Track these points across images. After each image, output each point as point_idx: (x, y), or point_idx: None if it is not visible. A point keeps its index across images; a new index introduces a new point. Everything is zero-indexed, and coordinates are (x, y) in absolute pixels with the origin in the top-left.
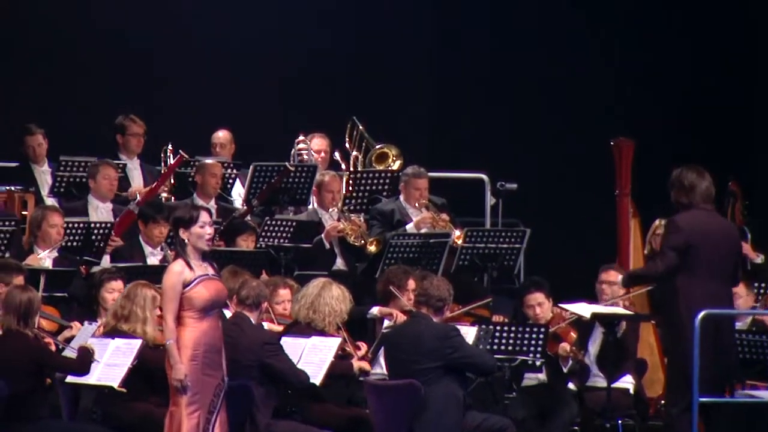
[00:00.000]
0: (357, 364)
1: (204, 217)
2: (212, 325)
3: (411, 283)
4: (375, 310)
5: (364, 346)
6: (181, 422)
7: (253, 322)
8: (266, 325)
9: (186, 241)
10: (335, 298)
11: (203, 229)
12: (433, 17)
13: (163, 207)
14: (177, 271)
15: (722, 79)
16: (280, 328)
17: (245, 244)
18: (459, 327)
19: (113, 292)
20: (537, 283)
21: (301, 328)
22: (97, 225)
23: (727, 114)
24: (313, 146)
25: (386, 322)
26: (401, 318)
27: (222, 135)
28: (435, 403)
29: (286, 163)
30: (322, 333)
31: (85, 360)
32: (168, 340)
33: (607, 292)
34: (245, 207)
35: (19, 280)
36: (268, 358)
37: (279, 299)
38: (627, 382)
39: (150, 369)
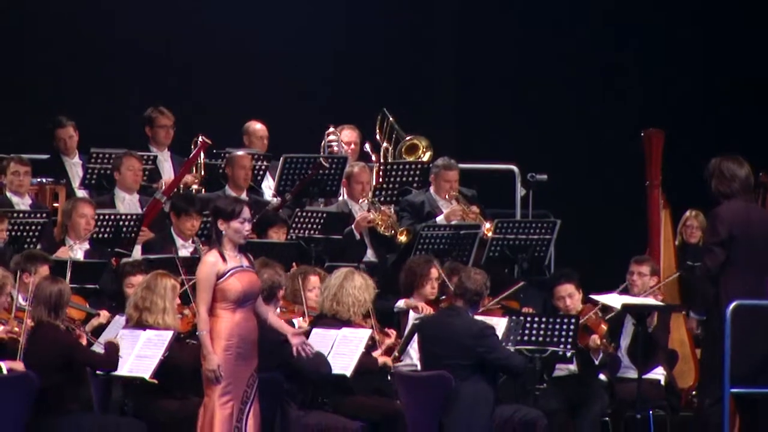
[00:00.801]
0: (381, 359)
1: (246, 213)
2: (246, 316)
3: (433, 272)
4: (401, 303)
5: (393, 333)
6: (214, 413)
7: (270, 314)
8: (296, 321)
9: (223, 232)
10: (358, 287)
11: (243, 225)
12: (461, 9)
13: (195, 200)
14: (211, 261)
15: (754, 69)
16: (305, 324)
17: (276, 236)
18: (489, 318)
19: (133, 287)
20: (567, 274)
21: (328, 320)
22: (127, 216)
23: (759, 104)
24: (343, 138)
25: (413, 314)
26: (427, 309)
27: (259, 128)
28: (465, 399)
29: (319, 156)
30: (349, 323)
31: (112, 356)
32: (201, 330)
33: (638, 283)
34: (278, 199)
35: (44, 269)
36: (290, 357)
37: (311, 286)
38: (658, 373)
39: (176, 364)
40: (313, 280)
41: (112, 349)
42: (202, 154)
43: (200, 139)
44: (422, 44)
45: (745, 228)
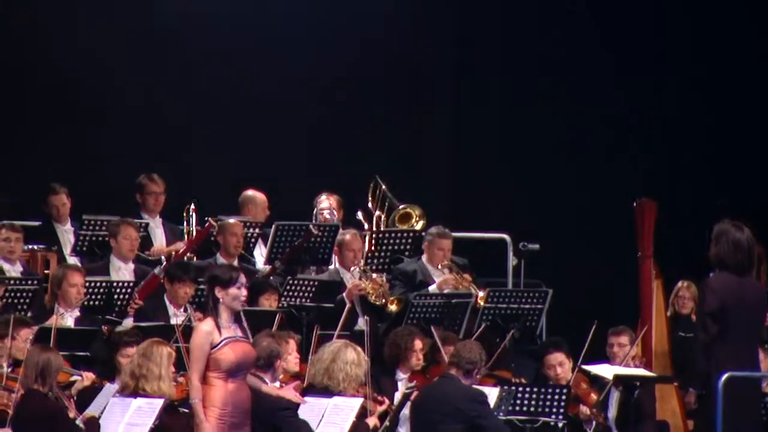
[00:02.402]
0: (372, 421)
1: (242, 279)
2: (239, 386)
3: (417, 344)
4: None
5: (386, 400)
6: None
7: (268, 382)
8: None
9: (221, 300)
10: (350, 362)
11: (240, 291)
12: (454, 78)
13: (190, 267)
14: (205, 330)
15: (746, 139)
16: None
17: (267, 303)
18: (481, 388)
19: (128, 357)
20: (557, 343)
21: (319, 390)
22: (120, 284)
23: (752, 174)
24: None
25: (406, 383)
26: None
27: (260, 197)
28: None
29: (310, 224)
30: (341, 393)
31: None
32: (193, 399)
33: (619, 354)
34: (268, 267)
35: (25, 333)
36: (283, 424)
37: (290, 349)
38: None
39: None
40: (292, 343)
41: (93, 426)
42: (193, 221)
43: (192, 206)
44: (416, 113)
45: (738, 298)
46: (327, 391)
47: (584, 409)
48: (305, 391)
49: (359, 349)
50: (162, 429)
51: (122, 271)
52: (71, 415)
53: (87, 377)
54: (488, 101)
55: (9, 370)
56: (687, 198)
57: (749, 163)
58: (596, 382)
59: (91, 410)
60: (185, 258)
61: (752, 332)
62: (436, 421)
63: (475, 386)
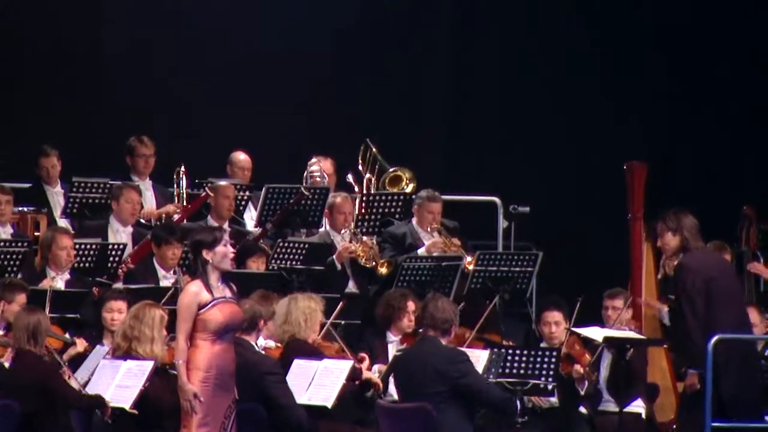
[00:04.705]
0: (366, 373)
1: (226, 236)
2: (225, 347)
3: (410, 305)
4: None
5: (366, 357)
6: None
7: (253, 343)
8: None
9: (210, 261)
10: (304, 305)
11: (227, 248)
12: (448, 42)
13: (176, 229)
14: (193, 291)
15: (737, 100)
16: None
17: (255, 265)
18: (471, 351)
19: (112, 311)
20: (557, 303)
21: (294, 349)
22: (112, 246)
23: (742, 136)
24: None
25: (397, 346)
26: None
27: (243, 159)
28: (446, 429)
29: (301, 187)
30: (313, 347)
31: (93, 404)
32: (177, 359)
33: (613, 317)
34: (259, 229)
35: (21, 298)
36: (270, 389)
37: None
38: (638, 406)
39: (156, 395)
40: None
41: (99, 400)
42: (183, 183)
43: (182, 168)
44: (407, 75)
45: (717, 269)
46: (298, 345)
47: (578, 368)
48: (284, 356)
49: (310, 294)
50: (151, 391)
51: (120, 233)
52: (66, 377)
53: (80, 343)
54: (481, 64)
55: (2, 333)
56: (681, 160)
57: (745, 125)
58: (588, 344)
59: (81, 372)
60: (172, 217)
61: (739, 297)
62: (420, 384)
63: (457, 348)
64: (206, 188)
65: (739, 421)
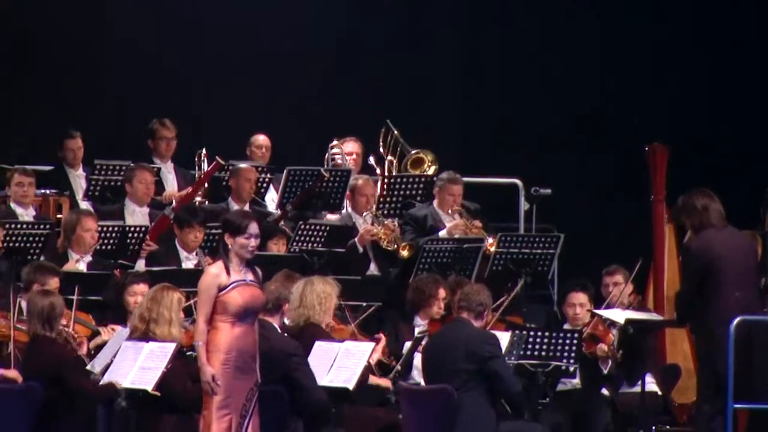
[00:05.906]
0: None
1: (253, 228)
2: (246, 330)
3: (441, 292)
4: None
5: (383, 338)
6: (210, 426)
7: (277, 326)
8: None
9: (230, 246)
10: (318, 290)
11: (248, 240)
12: (465, 24)
13: (198, 212)
14: (213, 273)
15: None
16: None
17: (276, 248)
18: (493, 332)
19: (135, 295)
20: (584, 285)
21: (308, 335)
22: (132, 228)
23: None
24: (345, 149)
25: (419, 328)
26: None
27: (262, 139)
28: (467, 413)
29: (321, 169)
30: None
31: (107, 393)
32: (197, 341)
33: (615, 293)
34: (279, 211)
35: (55, 281)
36: (293, 371)
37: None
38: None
39: (177, 377)
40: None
41: (111, 389)
42: (205, 166)
43: (211, 156)
44: (426, 57)
45: (727, 251)
46: (314, 329)
47: (602, 347)
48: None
49: (325, 278)
50: (169, 373)
51: (137, 214)
52: (82, 352)
53: (105, 332)
54: (500, 45)
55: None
56: (703, 141)
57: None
58: (610, 326)
59: (103, 355)
60: (195, 200)
61: (750, 280)
62: (448, 364)
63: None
64: (217, 159)
65: (759, 402)
